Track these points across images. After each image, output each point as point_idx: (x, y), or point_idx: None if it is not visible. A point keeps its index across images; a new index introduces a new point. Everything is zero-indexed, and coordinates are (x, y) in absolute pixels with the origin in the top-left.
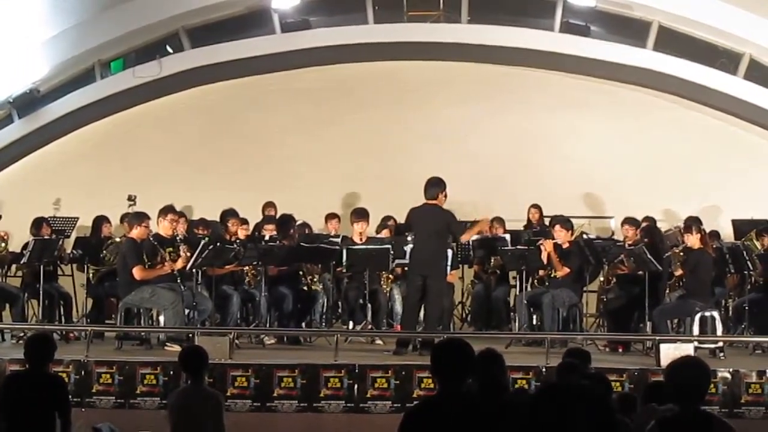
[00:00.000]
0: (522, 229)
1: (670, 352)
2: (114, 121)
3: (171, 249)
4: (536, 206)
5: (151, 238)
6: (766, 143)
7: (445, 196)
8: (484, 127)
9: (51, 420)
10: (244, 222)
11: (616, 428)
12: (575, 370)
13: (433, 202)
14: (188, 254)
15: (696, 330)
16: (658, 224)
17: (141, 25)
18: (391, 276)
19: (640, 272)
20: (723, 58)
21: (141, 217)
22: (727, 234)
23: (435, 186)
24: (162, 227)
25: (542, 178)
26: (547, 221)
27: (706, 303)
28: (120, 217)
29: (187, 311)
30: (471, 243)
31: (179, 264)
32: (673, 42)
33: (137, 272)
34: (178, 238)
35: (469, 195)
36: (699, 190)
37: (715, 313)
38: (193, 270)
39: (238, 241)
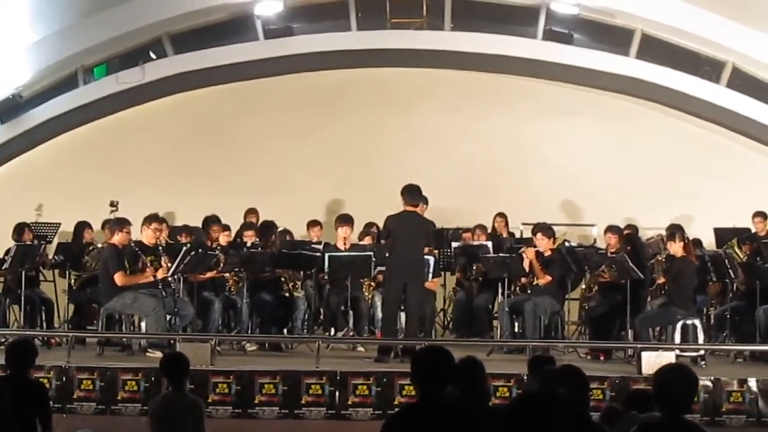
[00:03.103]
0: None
1: (651, 360)
2: (97, 127)
3: (153, 258)
4: (501, 215)
5: (133, 245)
6: (748, 151)
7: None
8: (467, 134)
9: (32, 426)
10: (226, 228)
11: None
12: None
13: (414, 209)
14: (169, 265)
15: (678, 338)
16: (641, 232)
17: (124, 31)
18: (372, 283)
19: (622, 281)
20: (706, 67)
21: (122, 223)
22: (710, 242)
23: (416, 194)
24: (145, 236)
25: (525, 185)
26: (514, 229)
27: (688, 311)
28: (102, 223)
29: (168, 317)
30: (453, 250)
31: (160, 274)
32: (656, 50)
33: (118, 278)
34: (160, 247)
35: (452, 201)
36: (682, 198)
37: (697, 322)
38: (175, 276)
39: (219, 247)
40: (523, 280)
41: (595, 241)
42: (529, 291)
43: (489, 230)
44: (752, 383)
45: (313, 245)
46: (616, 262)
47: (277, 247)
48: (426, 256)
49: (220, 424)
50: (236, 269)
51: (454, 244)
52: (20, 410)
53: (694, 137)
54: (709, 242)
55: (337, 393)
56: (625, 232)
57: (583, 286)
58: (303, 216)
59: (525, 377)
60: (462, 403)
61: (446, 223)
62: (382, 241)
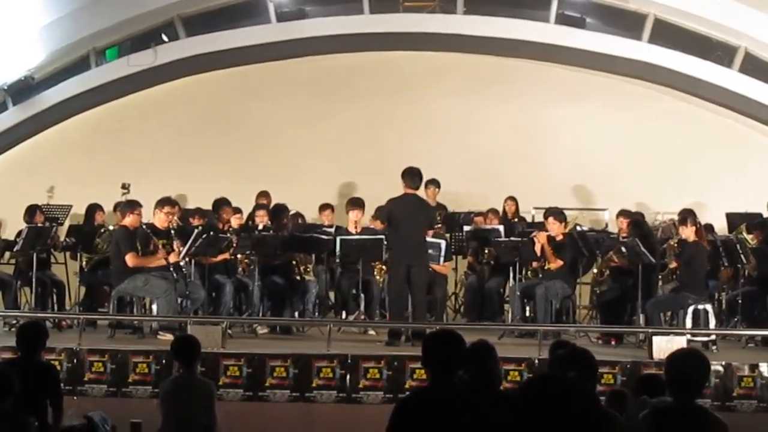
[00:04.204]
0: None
1: (662, 344)
2: (108, 110)
3: (165, 241)
4: (512, 198)
5: (146, 228)
6: (760, 136)
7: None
8: (479, 119)
9: (43, 408)
10: (238, 211)
11: (605, 420)
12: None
13: (414, 191)
14: (181, 249)
15: (689, 323)
16: (653, 216)
17: (136, 13)
18: (384, 266)
19: (631, 265)
20: (718, 51)
21: (133, 205)
22: (722, 227)
23: (416, 177)
24: (158, 219)
25: (537, 170)
26: (525, 214)
27: (699, 296)
28: (114, 206)
29: (180, 300)
30: (465, 234)
31: (172, 258)
32: (669, 34)
33: (130, 259)
34: (172, 231)
35: (464, 185)
36: (694, 183)
37: (708, 306)
38: (186, 259)
39: (231, 230)
40: (535, 264)
41: (606, 226)
42: (540, 275)
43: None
44: (764, 368)
45: (325, 228)
46: (628, 246)
47: (288, 230)
48: (437, 240)
49: (231, 406)
50: (248, 252)
51: (466, 228)
52: (31, 393)
53: (706, 122)
54: (721, 227)
55: (348, 376)
56: (626, 219)
57: (595, 271)
58: (314, 200)
59: (536, 361)
60: (473, 387)
61: (458, 207)
62: (376, 224)
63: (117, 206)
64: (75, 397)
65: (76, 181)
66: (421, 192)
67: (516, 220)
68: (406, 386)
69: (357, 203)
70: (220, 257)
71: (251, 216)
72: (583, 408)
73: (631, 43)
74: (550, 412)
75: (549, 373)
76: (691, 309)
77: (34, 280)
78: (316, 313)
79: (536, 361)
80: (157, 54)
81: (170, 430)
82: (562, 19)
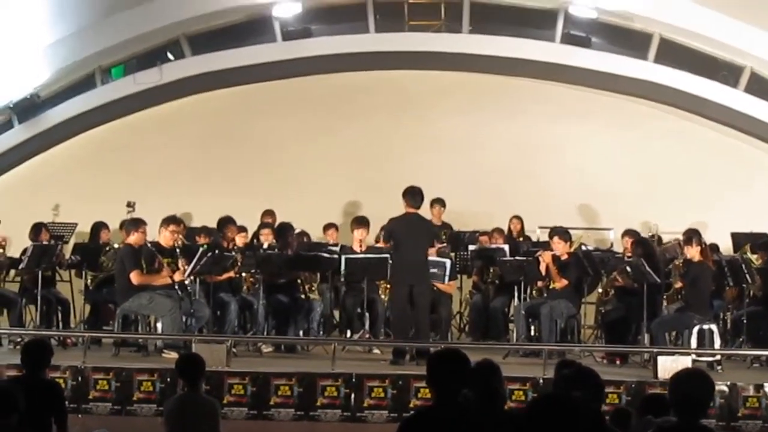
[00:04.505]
0: (516, 239)
1: (667, 364)
2: (114, 128)
3: (169, 260)
4: (518, 217)
5: (151, 246)
6: (765, 156)
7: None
8: (484, 137)
9: (47, 426)
10: (243, 230)
11: None
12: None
13: (415, 211)
14: (186, 268)
15: (694, 343)
16: (660, 236)
17: (142, 32)
18: (389, 285)
19: (636, 285)
20: (724, 71)
21: (137, 223)
22: (727, 247)
23: (417, 196)
24: (163, 237)
25: (541, 188)
26: (530, 233)
27: (704, 316)
28: (120, 224)
29: (184, 318)
30: (470, 253)
31: (177, 277)
32: (674, 54)
33: (134, 277)
34: (177, 249)
35: (469, 204)
36: (699, 203)
37: (714, 326)
38: (191, 278)
39: (236, 248)
40: (540, 283)
41: (611, 245)
42: (545, 294)
43: (505, 232)
44: None
45: (330, 247)
46: (632, 266)
47: (293, 249)
48: (442, 259)
49: (236, 425)
50: (252, 270)
51: (471, 247)
52: (36, 410)
53: (711, 142)
54: (726, 247)
55: (352, 395)
56: (630, 237)
57: (600, 290)
58: (319, 218)
59: (541, 380)
60: (477, 407)
61: (463, 226)
62: (380, 244)
63: (123, 224)
64: (79, 415)
65: (81, 200)
66: (427, 211)
67: (521, 239)
68: (411, 405)
69: (362, 222)
70: (225, 276)
71: (256, 234)
72: (588, 428)
73: (637, 63)
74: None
75: (554, 392)
76: (696, 329)
77: (39, 297)
78: (321, 332)
79: (541, 381)
80: (163, 72)
81: None
82: (568, 39)
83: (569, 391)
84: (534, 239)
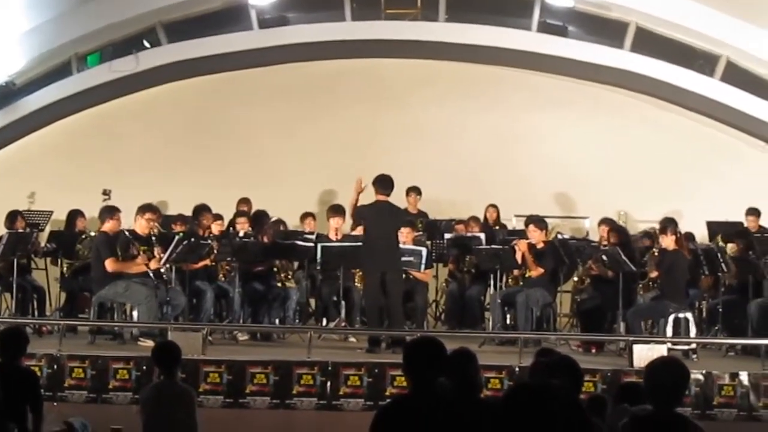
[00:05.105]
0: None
1: (643, 353)
2: (90, 115)
3: (145, 248)
4: (494, 206)
5: (127, 233)
6: (742, 145)
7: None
8: (461, 126)
9: (23, 414)
10: (218, 218)
11: (588, 428)
12: (548, 370)
13: (386, 198)
14: (161, 256)
15: (669, 331)
16: (634, 225)
17: (118, 19)
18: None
19: (611, 273)
20: (700, 60)
21: (112, 211)
22: (702, 236)
23: (387, 184)
24: (139, 225)
25: (519, 177)
26: (507, 221)
27: (680, 304)
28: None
29: (160, 306)
30: (446, 242)
31: (153, 265)
32: (651, 43)
33: (110, 264)
34: (153, 237)
35: (446, 193)
36: (675, 192)
37: (689, 315)
38: (167, 266)
39: (212, 236)
40: (516, 272)
41: (587, 234)
42: (521, 283)
43: (481, 221)
44: (743, 377)
45: (306, 235)
46: (608, 254)
47: (269, 237)
48: (418, 247)
49: (212, 413)
50: (228, 258)
51: (447, 236)
52: (11, 398)
53: (688, 131)
54: (702, 236)
55: (328, 383)
56: (604, 225)
57: (575, 279)
58: (295, 206)
59: (517, 369)
60: (454, 395)
61: (440, 214)
62: (354, 232)
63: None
64: (55, 403)
65: (57, 187)
66: (402, 199)
67: (497, 227)
68: (387, 393)
69: (337, 210)
70: (201, 263)
71: (232, 222)
72: (566, 416)
73: (613, 52)
74: (532, 420)
75: (530, 380)
76: (671, 317)
77: (14, 285)
78: (297, 320)
79: (517, 369)
80: (139, 60)
81: None
82: (544, 28)
83: (548, 379)
84: (510, 228)
